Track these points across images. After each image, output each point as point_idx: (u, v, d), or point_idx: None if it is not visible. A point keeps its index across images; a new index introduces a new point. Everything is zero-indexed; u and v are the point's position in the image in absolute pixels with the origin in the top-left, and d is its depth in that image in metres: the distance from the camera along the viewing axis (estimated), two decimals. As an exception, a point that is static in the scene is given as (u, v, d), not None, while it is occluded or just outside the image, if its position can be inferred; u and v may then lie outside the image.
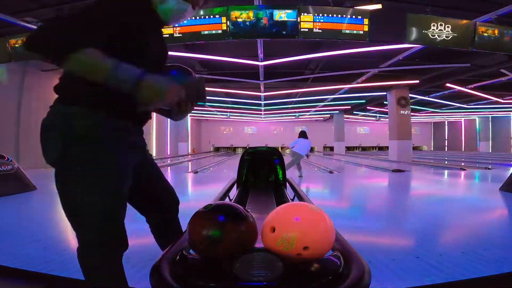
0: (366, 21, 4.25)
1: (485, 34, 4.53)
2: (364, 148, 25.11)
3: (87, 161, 0.88)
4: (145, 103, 0.85)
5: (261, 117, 20.38)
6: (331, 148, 21.50)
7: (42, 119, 0.93)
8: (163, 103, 0.86)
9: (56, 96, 0.93)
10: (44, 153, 0.93)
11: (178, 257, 0.86)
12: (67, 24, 0.81)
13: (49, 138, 0.91)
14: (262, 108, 15.70)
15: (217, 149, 24.49)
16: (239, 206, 0.94)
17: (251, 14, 4.20)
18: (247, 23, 4.19)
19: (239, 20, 4.20)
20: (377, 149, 25.01)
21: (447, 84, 9.23)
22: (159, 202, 1.23)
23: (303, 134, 6.82)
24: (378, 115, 19.70)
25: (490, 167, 8.12)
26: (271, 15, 4.18)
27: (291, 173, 5.94)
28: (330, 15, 4.23)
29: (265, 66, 7.37)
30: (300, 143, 6.61)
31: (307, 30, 4.23)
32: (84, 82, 0.84)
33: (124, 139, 0.96)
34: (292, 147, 6.56)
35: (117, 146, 0.93)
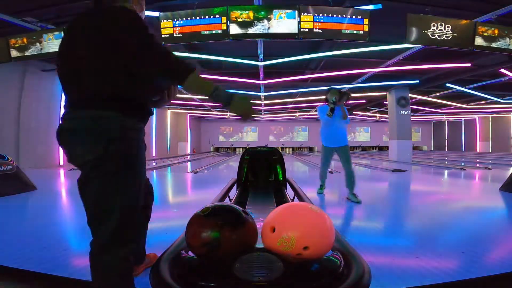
0: (366, 21, 4.25)
1: (485, 34, 4.53)
2: (364, 148, 25.10)
3: (127, 158, 0.98)
4: (236, 114, 1.07)
5: (261, 117, 20.37)
6: (331, 148, 21.45)
7: (65, 123, 1.00)
8: (248, 114, 1.07)
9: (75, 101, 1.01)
10: (74, 155, 0.99)
11: (178, 257, 0.86)
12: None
13: (85, 140, 0.96)
14: (262, 108, 15.70)
15: (217, 149, 24.49)
16: (238, 207, 0.93)
17: (251, 14, 4.20)
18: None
19: (239, 20, 4.21)
20: (377, 149, 25.00)
21: (447, 84, 9.23)
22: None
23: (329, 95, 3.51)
24: (378, 115, 19.68)
25: (490, 167, 8.12)
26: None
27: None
28: (330, 15, 4.23)
29: (265, 66, 7.37)
30: (323, 123, 3.75)
31: (307, 30, 4.23)
32: (121, 92, 0.99)
33: (142, 139, 1.08)
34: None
35: (142, 145, 1.06)
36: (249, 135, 24.77)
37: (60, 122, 1.02)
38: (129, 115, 1.00)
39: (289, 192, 2.65)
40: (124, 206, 0.96)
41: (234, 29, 4.24)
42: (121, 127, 0.97)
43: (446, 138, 25.35)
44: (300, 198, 2.15)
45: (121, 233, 0.95)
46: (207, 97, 1.03)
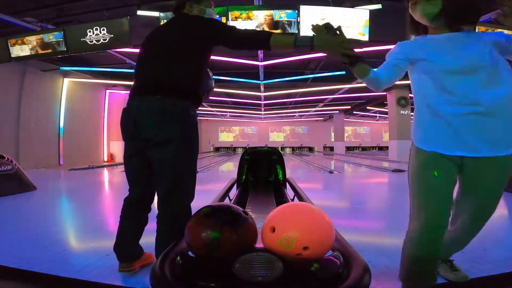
0: (366, 21, 4.25)
1: (485, 34, 4.52)
2: (364, 148, 25.10)
3: (195, 140, 1.31)
4: (323, 52, 1.35)
5: (261, 117, 20.37)
6: (331, 148, 21.50)
7: (156, 105, 1.23)
8: (333, 51, 1.23)
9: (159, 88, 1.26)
10: (161, 130, 1.23)
11: (178, 257, 0.86)
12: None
13: (170, 121, 1.23)
14: (262, 108, 15.70)
15: (217, 149, 24.48)
16: (238, 207, 0.93)
17: (251, 14, 4.20)
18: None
19: (239, 20, 4.20)
20: (377, 149, 25.00)
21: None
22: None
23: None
24: (378, 115, 19.69)
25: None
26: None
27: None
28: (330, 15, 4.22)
29: (265, 66, 7.37)
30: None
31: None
32: (191, 86, 1.30)
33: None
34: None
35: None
36: (249, 135, 24.78)
37: (137, 103, 1.26)
38: (194, 104, 1.33)
39: (289, 192, 2.65)
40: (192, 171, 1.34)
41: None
42: (193, 115, 1.30)
43: (446, 138, 25.30)
44: (300, 198, 2.15)
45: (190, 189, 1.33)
46: (294, 49, 1.23)
